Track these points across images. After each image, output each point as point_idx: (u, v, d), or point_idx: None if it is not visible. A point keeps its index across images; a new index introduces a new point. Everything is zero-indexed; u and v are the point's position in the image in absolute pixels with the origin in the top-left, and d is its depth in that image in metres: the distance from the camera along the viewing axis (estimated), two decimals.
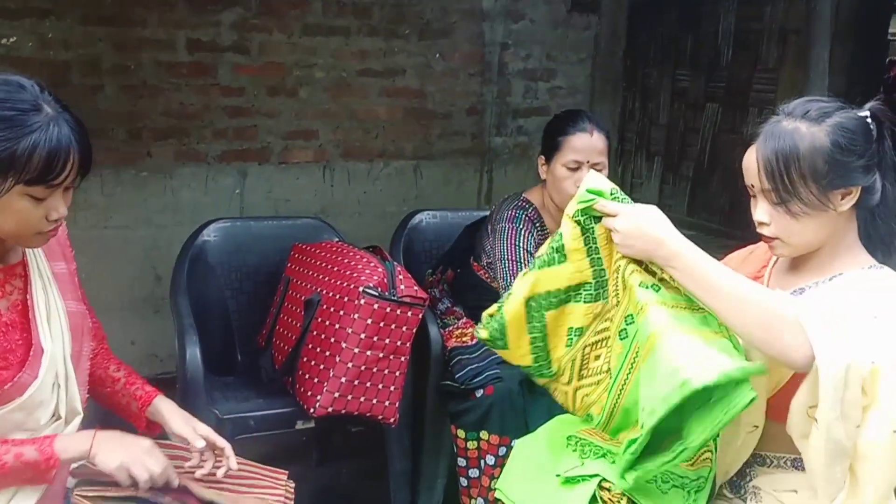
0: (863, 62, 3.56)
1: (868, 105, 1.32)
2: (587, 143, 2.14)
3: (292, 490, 1.61)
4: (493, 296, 2.20)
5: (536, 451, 1.57)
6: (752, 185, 1.34)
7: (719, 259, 1.37)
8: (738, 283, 1.24)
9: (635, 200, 1.36)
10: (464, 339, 2.31)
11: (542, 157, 2.25)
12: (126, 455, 1.31)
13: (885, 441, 1.16)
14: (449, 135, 3.58)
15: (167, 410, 1.49)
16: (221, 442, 1.47)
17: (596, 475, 1.40)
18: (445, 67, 3.49)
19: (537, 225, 2.25)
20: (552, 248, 1.40)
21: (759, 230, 1.37)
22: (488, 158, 3.71)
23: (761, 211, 1.34)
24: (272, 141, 3.27)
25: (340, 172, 3.41)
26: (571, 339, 1.43)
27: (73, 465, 1.35)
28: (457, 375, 2.21)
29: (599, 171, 2.14)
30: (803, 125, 1.28)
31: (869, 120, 1.30)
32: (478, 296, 2.35)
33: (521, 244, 2.18)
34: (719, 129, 3.92)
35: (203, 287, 2.43)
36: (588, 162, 2.13)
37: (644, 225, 1.28)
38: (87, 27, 2.89)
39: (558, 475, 1.44)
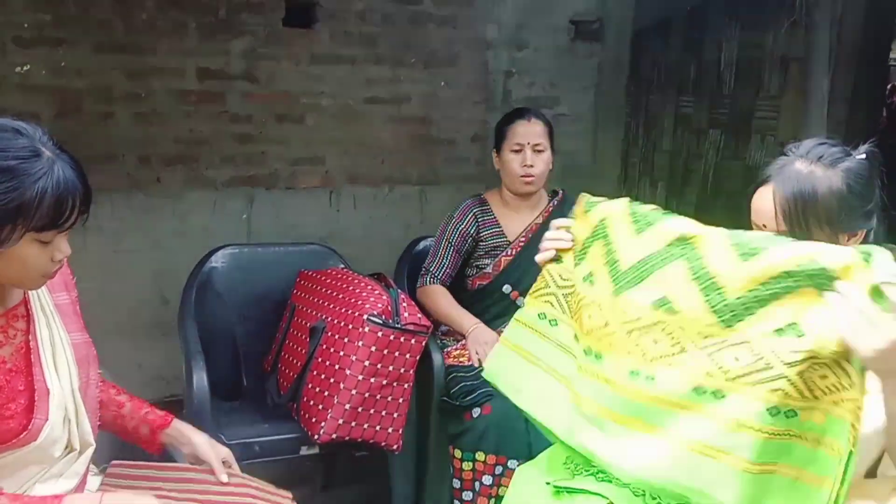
0: (864, 89, 3.59)
1: (863, 148, 1.34)
2: (526, 128, 2.44)
3: None
4: (489, 304, 2.40)
5: (536, 476, 1.59)
6: (765, 226, 1.35)
7: None
8: None
9: None
10: (461, 359, 2.36)
11: (495, 150, 2.52)
12: None
13: None
14: (454, 161, 3.61)
15: (189, 432, 1.58)
16: (235, 467, 1.59)
17: (598, 494, 1.43)
18: (450, 95, 3.53)
19: (475, 211, 2.53)
20: None
21: None
22: (492, 185, 3.73)
23: None
24: (279, 167, 3.31)
25: (347, 198, 3.45)
26: None
27: None
28: (451, 391, 2.26)
29: (540, 151, 2.42)
30: (818, 169, 1.30)
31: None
32: (477, 311, 2.43)
33: (446, 236, 2.52)
34: (722, 156, 3.95)
35: (210, 313, 2.46)
36: (529, 143, 2.41)
37: None
38: (100, 56, 2.95)
39: (548, 483, 1.46)
